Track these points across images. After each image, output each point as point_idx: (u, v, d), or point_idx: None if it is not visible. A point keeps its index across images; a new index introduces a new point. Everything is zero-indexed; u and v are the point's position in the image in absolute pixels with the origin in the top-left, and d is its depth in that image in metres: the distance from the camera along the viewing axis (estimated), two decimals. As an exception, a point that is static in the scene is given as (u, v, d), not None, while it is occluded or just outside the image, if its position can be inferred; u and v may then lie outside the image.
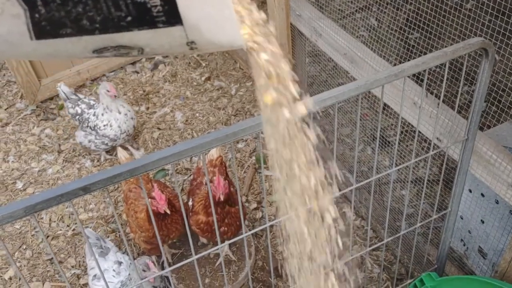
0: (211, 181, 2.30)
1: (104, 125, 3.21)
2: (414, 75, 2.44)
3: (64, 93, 3.35)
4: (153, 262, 1.89)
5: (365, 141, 3.28)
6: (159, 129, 3.64)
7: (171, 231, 2.38)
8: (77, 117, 3.32)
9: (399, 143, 3.08)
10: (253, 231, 1.68)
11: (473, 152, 1.84)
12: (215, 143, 1.26)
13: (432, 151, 1.70)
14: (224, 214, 2.36)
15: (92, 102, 3.34)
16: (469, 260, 2.38)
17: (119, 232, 2.97)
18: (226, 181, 2.29)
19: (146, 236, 2.38)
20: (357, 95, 1.41)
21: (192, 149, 1.24)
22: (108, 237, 2.97)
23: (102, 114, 3.21)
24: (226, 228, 2.40)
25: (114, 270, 2.30)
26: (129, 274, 2.15)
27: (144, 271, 1.91)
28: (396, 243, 2.66)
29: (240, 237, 1.59)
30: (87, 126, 3.27)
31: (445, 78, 1.56)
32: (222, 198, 2.25)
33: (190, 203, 2.54)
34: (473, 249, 2.32)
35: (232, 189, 2.45)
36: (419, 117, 1.61)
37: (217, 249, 1.60)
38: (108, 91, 3.15)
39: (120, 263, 2.35)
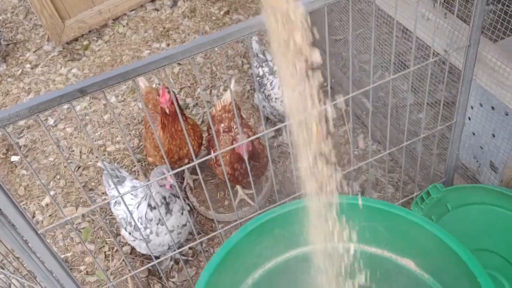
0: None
1: (276, 98, 2.92)
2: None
3: (253, 48, 3.10)
4: (168, 170, 2.03)
5: (384, 67, 3.24)
6: (179, 64, 3.71)
7: (182, 137, 2.50)
8: (258, 78, 3.05)
9: (416, 68, 3.03)
10: (254, 137, 1.75)
11: (478, 61, 1.81)
12: (205, 47, 1.32)
13: (433, 58, 1.70)
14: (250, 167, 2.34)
15: (276, 68, 2.96)
16: (481, 176, 2.39)
17: (145, 161, 3.13)
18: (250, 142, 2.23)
19: (165, 151, 2.51)
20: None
21: (181, 53, 1.30)
22: (134, 166, 3.15)
23: (279, 88, 2.92)
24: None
25: (132, 194, 2.47)
26: (145, 193, 2.31)
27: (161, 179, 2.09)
28: (410, 163, 2.69)
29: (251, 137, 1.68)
30: (263, 92, 3.00)
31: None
32: (246, 157, 2.14)
33: (212, 156, 2.60)
34: (485, 165, 2.33)
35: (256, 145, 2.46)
36: (416, 21, 1.60)
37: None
38: None
39: (136, 187, 2.52)
